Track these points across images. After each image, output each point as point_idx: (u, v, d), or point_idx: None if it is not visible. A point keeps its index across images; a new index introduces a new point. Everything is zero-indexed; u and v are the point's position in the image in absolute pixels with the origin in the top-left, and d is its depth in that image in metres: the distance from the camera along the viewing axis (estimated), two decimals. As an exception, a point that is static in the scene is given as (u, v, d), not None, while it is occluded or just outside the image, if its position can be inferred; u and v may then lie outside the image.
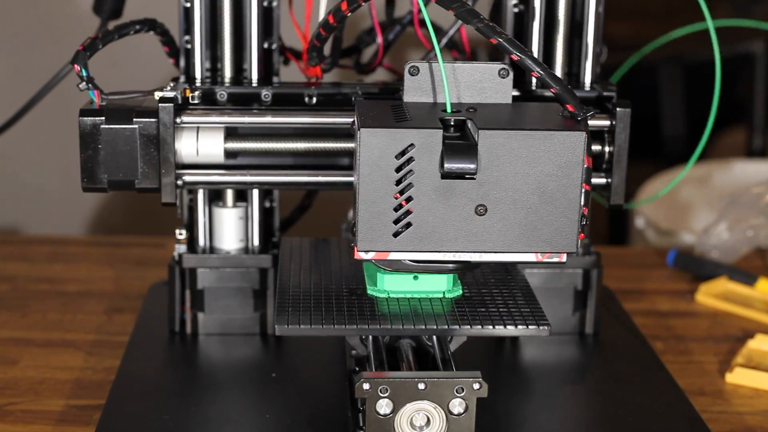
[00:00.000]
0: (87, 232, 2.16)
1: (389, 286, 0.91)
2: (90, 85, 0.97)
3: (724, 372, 1.09)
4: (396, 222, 0.83)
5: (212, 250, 1.09)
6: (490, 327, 0.88)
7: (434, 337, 0.92)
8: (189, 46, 1.05)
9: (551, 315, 1.09)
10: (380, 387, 0.82)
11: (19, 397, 1.02)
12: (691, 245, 1.49)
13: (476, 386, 0.83)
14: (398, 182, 0.82)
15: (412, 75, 0.88)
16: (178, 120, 0.98)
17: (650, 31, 3.04)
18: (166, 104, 0.97)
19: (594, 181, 1.03)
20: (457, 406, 0.83)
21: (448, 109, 0.86)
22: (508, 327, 0.88)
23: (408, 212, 0.82)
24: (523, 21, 1.07)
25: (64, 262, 1.38)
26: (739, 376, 1.07)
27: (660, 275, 1.37)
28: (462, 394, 0.83)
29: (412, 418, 0.83)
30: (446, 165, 0.80)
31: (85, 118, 0.96)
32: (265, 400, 0.98)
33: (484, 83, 0.89)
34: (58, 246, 1.44)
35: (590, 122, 1.02)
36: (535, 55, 1.05)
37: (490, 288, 0.95)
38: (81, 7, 1.26)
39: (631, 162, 1.03)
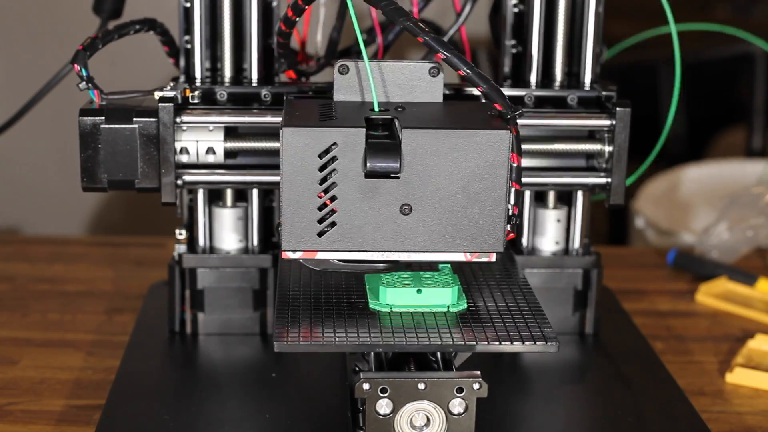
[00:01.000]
0: (87, 231, 2.16)
1: (392, 300, 0.89)
2: (90, 84, 0.97)
3: (724, 372, 1.09)
4: (320, 221, 0.83)
5: (212, 250, 1.09)
6: (497, 344, 0.85)
7: (438, 353, 0.89)
8: (189, 46, 1.05)
9: (551, 315, 1.09)
10: (380, 387, 0.82)
11: (19, 397, 1.02)
12: (691, 245, 1.49)
13: (476, 386, 0.83)
14: (322, 181, 0.82)
15: (341, 74, 0.89)
16: (177, 120, 0.98)
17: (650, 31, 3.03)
18: (166, 104, 0.97)
19: (594, 180, 1.03)
20: (457, 406, 0.83)
21: (376, 108, 0.86)
22: (515, 344, 0.85)
23: (332, 211, 0.82)
24: (523, 21, 1.07)
25: (64, 262, 1.38)
26: (738, 376, 1.07)
27: (660, 275, 1.37)
28: (462, 394, 0.83)
29: (412, 418, 0.83)
30: (369, 164, 0.81)
31: (85, 118, 0.96)
32: (265, 400, 0.98)
33: (414, 82, 0.89)
34: (59, 246, 1.44)
35: (590, 121, 1.02)
36: (535, 54, 1.05)
37: (495, 300, 0.93)
38: (81, 7, 1.26)
39: (631, 161, 1.03)
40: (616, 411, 0.98)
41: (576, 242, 1.10)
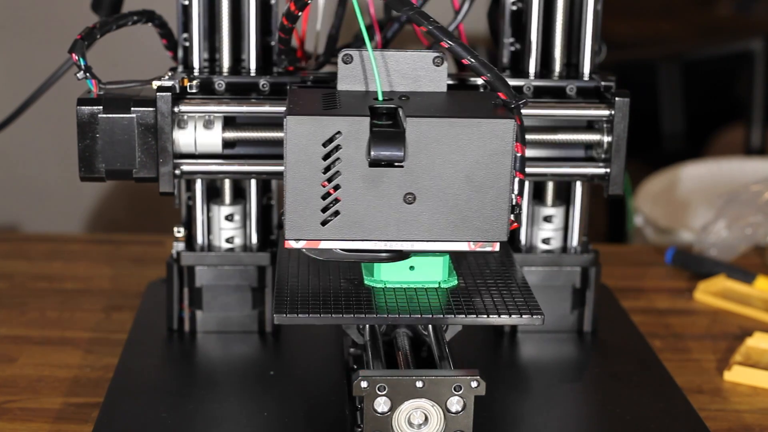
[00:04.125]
0: (86, 228, 2.16)
1: (386, 276, 0.91)
2: (88, 74, 0.97)
3: (723, 370, 1.09)
4: (324, 210, 0.83)
5: (210, 247, 1.09)
6: (485, 316, 0.87)
7: (430, 327, 0.92)
8: (187, 44, 1.05)
9: (549, 313, 1.09)
10: (378, 385, 0.82)
11: (18, 395, 1.02)
12: (689, 243, 1.49)
13: (474, 384, 0.83)
14: (326, 170, 0.82)
15: (345, 63, 0.89)
16: (176, 109, 0.98)
17: (649, 29, 3.04)
18: (164, 93, 0.97)
19: (592, 170, 1.03)
20: (455, 404, 0.83)
21: (380, 97, 0.86)
22: (502, 316, 0.87)
23: (336, 200, 0.82)
24: (521, 18, 1.07)
25: (62, 259, 1.38)
26: (737, 374, 1.07)
27: (658, 273, 1.37)
28: (460, 392, 0.83)
29: (409, 416, 0.83)
30: (373, 152, 0.80)
31: (83, 107, 0.96)
32: (263, 397, 0.98)
33: (419, 72, 0.89)
34: (57, 244, 1.44)
35: (589, 111, 1.02)
36: (534, 51, 1.05)
37: (485, 279, 0.95)
38: (80, 5, 1.26)
39: (630, 159, 1.03)
40: (614, 409, 0.98)
41: (574, 240, 1.10)
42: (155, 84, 0.98)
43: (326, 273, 0.94)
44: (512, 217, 0.84)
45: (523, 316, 0.88)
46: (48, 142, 2.09)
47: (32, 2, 2.05)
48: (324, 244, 0.84)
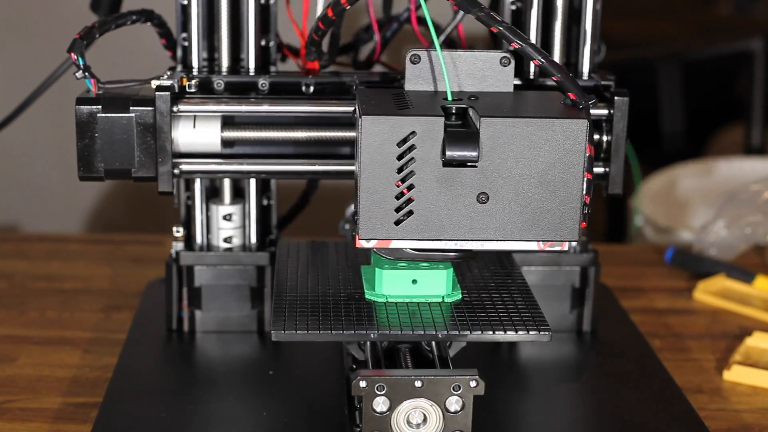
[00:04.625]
0: (86, 228, 2.16)
1: (387, 290, 0.90)
2: (87, 73, 0.97)
3: (722, 369, 1.09)
4: (397, 210, 0.83)
5: (209, 247, 1.09)
6: (490, 332, 0.86)
7: (433, 343, 0.90)
8: (186, 44, 1.05)
9: (549, 313, 1.09)
10: (377, 385, 0.82)
11: (17, 395, 1.02)
12: (689, 243, 1.49)
13: (473, 384, 0.83)
14: (400, 170, 0.82)
15: (413, 63, 0.89)
16: (174, 108, 0.98)
17: (649, 29, 3.04)
18: (163, 93, 0.96)
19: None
20: (453, 403, 0.83)
21: (449, 97, 0.86)
22: (509, 332, 0.87)
23: (409, 200, 0.82)
24: (521, 18, 1.07)
25: (62, 259, 1.38)
26: (736, 374, 1.07)
27: (658, 273, 1.37)
28: (459, 392, 0.83)
29: (408, 416, 0.83)
30: (448, 152, 0.80)
31: (82, 107, 0.96)
32: (262, 397, 0.98)
33: (486, 72, 0.89)
34: (56, 243, 1.44)
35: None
36: (534, 33, 1.05)
37: (489, 291, 0.94)
38: (80, 5, 1.26)
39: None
40: (613, 409, 0.98)
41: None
42: (154, 83, 0.98)
43: (326, 286, 0.94)
44: (581, 216, 0.84)
45: (530, 332, 0.87)
46: (47, 142, 2.09)
47: (32, 2, 2.05)
48: (395, 244, 0.84)
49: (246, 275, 1.09)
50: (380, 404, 0.83)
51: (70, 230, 2.12)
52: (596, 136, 1.02)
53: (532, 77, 1.04)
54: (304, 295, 0.92)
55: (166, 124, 0.97)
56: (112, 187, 2.14)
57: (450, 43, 1.15)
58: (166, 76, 0.99)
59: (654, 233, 1.75)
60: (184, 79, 1.00)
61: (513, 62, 0.89)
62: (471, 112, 0.84)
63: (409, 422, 0.84)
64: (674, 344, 1.16)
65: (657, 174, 1.97)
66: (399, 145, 0.81)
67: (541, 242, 0.84)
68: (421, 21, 1.13)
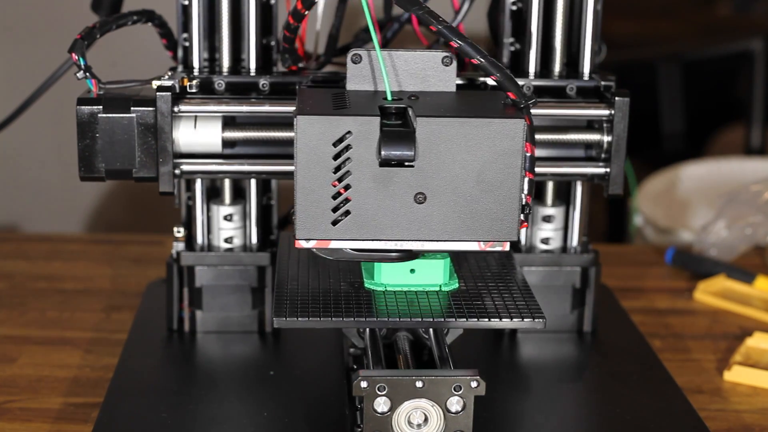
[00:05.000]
0: (86, 228, 2.16)
1: (386, 279, 0.91)
2: (87, 74, 0.97)
3: (723, 370, 1.09)
4: (335, 210, 0.83)
5: (210, 247, 1.09)
6: (486, 320, 0.87)
7: (431, 330, 0.92)
8: (187, 44, 1.05)
9: (549, 313, 1.09)
10: (378, 385, 0.82)
11: (18, 395, 1.02)
12: (689, 243, 1.49)
13: (474, 384, 0.83)
14: (336, 170, 0.82)
15: (354, 63, 0.89)
16: (175, 109, 0.98)
17: (649, 29, 3.04)
18: (164, 93, 0.97)
19: (592, 170, 1.03)
20: (454, 404, 0.83)
21: (389, 97, 0.86)
22: (504, 320, 0.87)
23: (346, 200, 0.82)
24: (521, 18, 1.07)
25: (62, 259, 1.38)
26: (737, 374, 1.07)
27: (658, 273, 1.37)
28: (460, 392, 0.83)
29: (409, 416, 0.83)
30: (383, 152, 0.81)
31: (83, 107, 0.96)
32: (263, 398, 0.98)
33: (428, 71, 0.89)
34: (57, 244, 1.44)
35: (589, 111, 1.02)
36: (533, 51, 1.05)
37: (486, 281, 0.95)
38: (80, 5, 1.26)
39: (629, 159, 1.02)
40: (614, 409, 0.98)
41: (574, 240, 1.10)
42: (155, 84, 0.98)
43: (326, 276, 0.94)
44: (522, 216, 0.84)
45: (525, 319, 0.88)
46: (48, 142, 2.09)
47: (32, 2, 2.05)
48: (334, 244, 0.84)
49: (247, 275, 1.09)
50: (381, 404, 0.83)
51: (71, 231, 2.12)
52: (597, 137, 1.02)
53: (531, 76, 1.04)
54: (305, 284, 0.92)
55: (167, 124, 0.97)
56: (113, 188, 2.14)
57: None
58: (167, 77, 0.99)
59: (654, 234, 1.75)
60: (185, 80, 1.00)
61: (455, 62, 0.89)
62: (410, 111, 0.84)
63: (410, 422, 0.83)
64: (674, 344, 1.16)
65: (657, 174, 1.97)
66: (335, 144, 0.81)
67: (481, 242, 0.84)
68: (421, 21, 1.13)
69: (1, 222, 2.12)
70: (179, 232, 1.09)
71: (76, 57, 0.96)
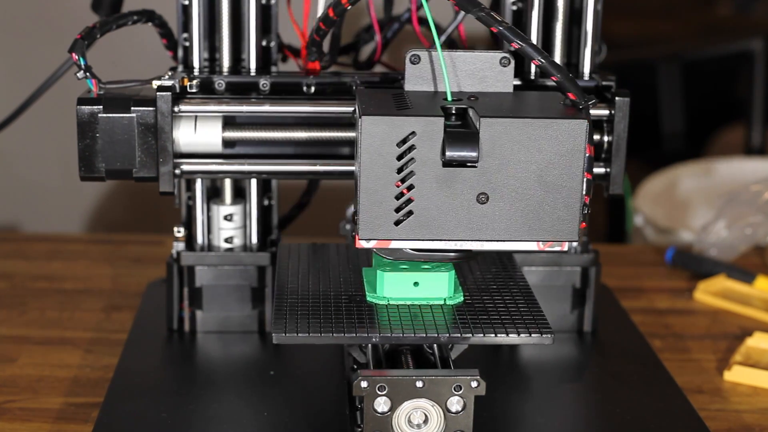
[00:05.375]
0: (86, 229, 2.16)
1: (389, 292, 0.90)
2: (88, 73, 0.97)
3: (723, 370, 1.09)
4: (397, 210, 0.83)
5: (210, 247, 1.09)
6: (492, 335, 0.86)
7: (435, 345, 0.90)
8: (187, 44, 1.05)
9: (549, 313, 1.09)
10: (378, 385, 0.82)
11: (18, 395, 1.02)
12: (689, 243, 1.49)
13: (474, 384, 0.83)
14: (399, 170, 0.82)
15: (413, 63, 0.89)
16: (176, 109, 0.98)
17: (649, 29, 3.04)
18: (164, 93, 0.96)
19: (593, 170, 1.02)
20: (455, 404, 0.83)
21: (449, 98, 0.86)
22: (511, 335, 0.86)
23: (409, 200, 0.82)
24: (521, 18, 1.07)
25: (62, 259, 1.38)
26: (737, 374, 1.07)
27: (658, 273, 1.37)
28: (460, 392, 0.83)
29: (410, 416, 0.83)
30: (448, 153, 0.80)
31: (83, 107, 0.96)
32: (263, 398, 0.98)
33: (486, 72, 0.89)
34: (57, 243, 1.44)
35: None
36: (535, 33, 1.05)
37: (491, 294, 0.94)
38: (80, 5, 1.26)
39: (630, 159, 1.02)
40: (614, 409, 0.98)
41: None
42: (155, 83, 0.98)
43: (327, 288, 0.93)
44: (581, 216, 0.84)
45: (533, 334, 0.87)
46: (48, 143, 2.09)
47: (32, 3, 2.05)
48: (395, 244, 0.84)
49: (247, 275, 1.09)
50: (381, 404, 0.83)
51: (71, 231, 2.12)
52: (597, 137, 1.02)
53: (533, 77, 1.04)
54: (305, 297, 0.92)
55: (167, 124, 0.97)
56: (113, 188, 2.14)
57: (450, 44, 1.15)
58: (167, 77, 0.99)
59: (654, 233, 1.75)
60: (185, 80, 1.00)
61: (513, 62, 0.89)
62: (471, 112, 0.84)
63: (410, 422, 0.83)
64: (675, 344, 1.16)
65: (657, 174, 1.97)
66: (399, 145, 0.81)
67: (540, 242, 0.84)
68: (422, 21, 1.13)
69: (1, 222, 2.12)
70: (179, 231, 1.09)
71: (77, 57, 0.96)
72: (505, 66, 0.89)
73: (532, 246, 0.84)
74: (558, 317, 1.11)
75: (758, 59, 2.46)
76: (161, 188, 0.98)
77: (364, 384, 0.82)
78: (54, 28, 1.99)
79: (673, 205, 1.87)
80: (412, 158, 0.81)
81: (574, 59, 1.07)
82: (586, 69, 1.05)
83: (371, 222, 0.83)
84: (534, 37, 1.05)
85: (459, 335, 0.86)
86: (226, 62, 1.05)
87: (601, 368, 1.06)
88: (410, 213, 0.83)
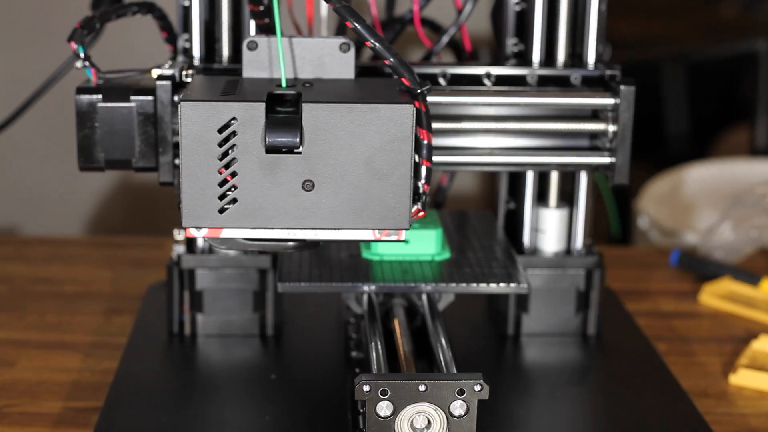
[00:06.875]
0: (86, 232, 2.16)
1: (383, 249, 0.99)
2: (87, 63, 0.96)
3: (728, 373, 1.08)
4: (221, 198, 0.82)
5: (211, 250, 1.08)
6: (474, 285, 0.95)
7: (424, 296, 0.99)
8: (188, 45, 1.04)
9: (553, 316, 1.09)
10: (380, 389, 0.82)
11: (17, 399, 1.02)
12: (694, 245, 1.49)
13: (477, 388, 0.82)
14: (222, 156, 0.81)
15: (250, 50, 0.89)
16: (175, 98, 0.97)
17: (654, 30, 3.03)
18: (164, 82, 0.96)
19: (597, 160, 1.01)
20: (458, 408, 0.83)
21: (283, 84, 0.86)
22: (491, 285, 0.96)
23: (233, 187, 0.81)
24: (524, 19, 1.06)
25: (62, 262, 1.38)
26: (742, 378, 1.06)
27: (663, 275, 1.36)
28: (463, 396, 0.82)
29: (412, 420, 0.83)
30: (268, 139, 0.80)
31: (82, 96, 0.96)
32: (265, 401, 0.97)
33: (325, 58, 0.89)
34: (56, 246, 1.44)
35: (593, 100, 1.00)
36: (538, 34, 1.04)
37: (475, 252, 1.02)
38: (80, 5, 1.26)
39: (634, 160, 1.02)
40: (618, 412, 0.97)
41: (578, 242, 1.09)
42: (155, 73, 0.97)
43: (326, 248, 1.01)
44: (419, 205, 0.84)
45: (510, 284, 0.96)
46: (46, 145, 2.09)
47: (32, 3, 2.05)
48: (225, 233, 0.83)
49: (248, 279, 1.08)
50: (384, 408, 0.82)
51: (71, 233, 2.11)
52: (602, 126, 1.01)
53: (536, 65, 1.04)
54: (305, 255, 0.99)
55: (167, 113, 0.96)
56: (113, 190, 2.14)
57: (452, 46, 1.14)
58: (167, 66, 0.99)
59: (659, 235, 1.74)
60: (186, 68, 0.99)
61: (353, 48, 0.89)
62: (301, 98, 0.83)
63: (413, 427, 0.83)
64: (680, 347, 1.15)
65: (662, 176, 1.96)
66: (220, 131, 0.80)
67: (376, 231, 0.83)
68: (424, 22, 1.13)
69: (1, 224, 2.12)
70: (180, 234, 1.08)
71: (76, 46, 0.95)
72: (345, 52, 0.89)
73: (366, 235, 0.83)
74: (562, 320, 1.10)
75: (763, 60, 2.46)
76: (161, 178, 0.98)
77: (366, 388, 0.82)
78: (54, 28, 1.98)
79: (678, 206, 1.87)
80: (234, 144, 0.80)
81: (578, 44, 1.06)
82: (590, 59, 1.04)
83: (195, 209, 0.82)
84: (537, 38, 1.04)
85: (444, 284, 0.95)
86: (225, 51, 1.04)
87: (606, 371, 1.06)
88: (234, 200, 0.82)
